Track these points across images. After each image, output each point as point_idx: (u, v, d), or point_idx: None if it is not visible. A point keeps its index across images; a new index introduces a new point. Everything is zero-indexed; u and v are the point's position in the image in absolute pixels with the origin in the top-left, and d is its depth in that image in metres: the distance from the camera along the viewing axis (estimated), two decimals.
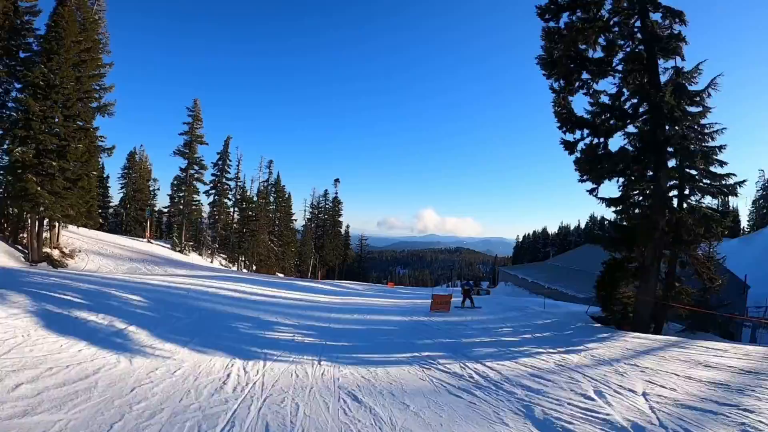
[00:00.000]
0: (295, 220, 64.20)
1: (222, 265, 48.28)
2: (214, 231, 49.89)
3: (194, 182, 47.76)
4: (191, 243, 50.21)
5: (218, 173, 54.19)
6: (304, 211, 72.65)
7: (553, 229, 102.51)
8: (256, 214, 49.91)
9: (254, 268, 51.54)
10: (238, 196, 51.51)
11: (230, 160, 54.84)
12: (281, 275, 57.39)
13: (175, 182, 48.81)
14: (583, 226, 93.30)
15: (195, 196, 47.86)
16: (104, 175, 57.23)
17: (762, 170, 66.35)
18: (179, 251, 44.63)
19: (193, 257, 46.22)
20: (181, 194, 48.09)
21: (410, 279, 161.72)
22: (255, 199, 53.83)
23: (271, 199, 61.01)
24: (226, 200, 53.90)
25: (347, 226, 76.38)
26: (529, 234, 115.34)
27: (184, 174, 47.59)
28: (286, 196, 62.80)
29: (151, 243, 44.98)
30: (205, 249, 49.05)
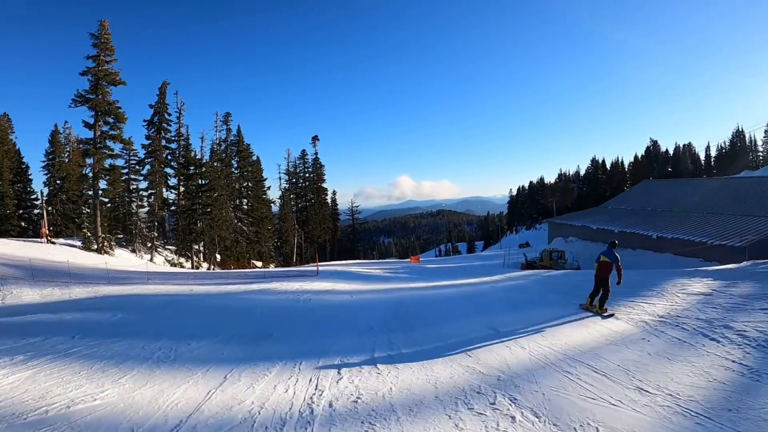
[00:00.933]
0: (268, 188, 48.44)
1: (169, 262, 32.85)
2: (153, 215, 34.10)
3: (108, 142, 31.32)
4: (120, 235, 34.38)
5: (154, 133, 37.95)
6: (279, 178, 57.17)
7: (549, 179, 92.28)
8: (210, 181, 34.09)
9: (218, 259, 36.37)
10: (182, 160, 35.37)
11: (169, 114, 38.65)
12: (258, 264, 42.42)
13: (80, 147, 32.27)
14: (582, 172, 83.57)
15: (111, 162, 31.56)
16: (23, 166, 39.86)
17: None
18: (96, 250, 28.95)
19: (123, 256, 30.71)
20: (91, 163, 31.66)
21: (396, 248, 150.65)
22: (206, 160, 37.72)
23: (234, 164, 45.02)
24: (168, 169, 37.86)
25: (333, 193, 61.45)
26: (523, 186, 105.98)
27: (92, 131, 31.04)
28: (254, 158, 46.69)
29: (53, 243, 29.09)
30: (141, 243, 33.34)
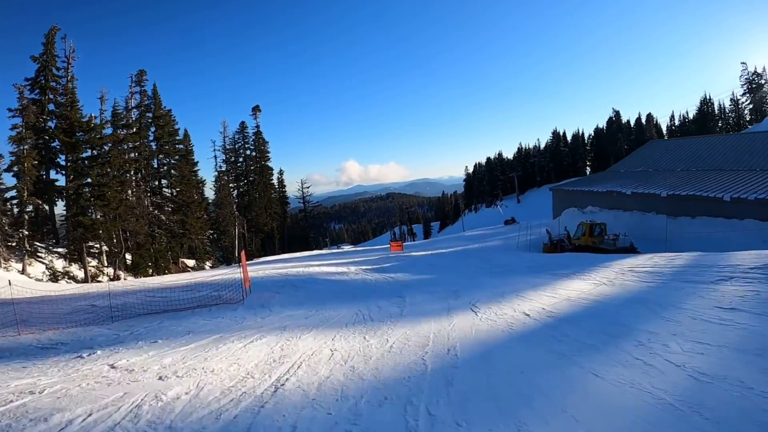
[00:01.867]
0: (197, 164, 38.44)
1: (51, 272, 22.90)
2: (22, 205, 23.73)
3: None
4: None
5: (38, 96, 27.38)
6: (215, 157, 47.11)
7: (508, 154, 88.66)
8: (109, 152, 23.94)
9: (129, 261, 26.64)
10: (65, 124, 24.95)
11: (58, 69, 28.16)
12: (189, 264, 33.13)
13: None
14: (542, 146, 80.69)
15: None
16: None
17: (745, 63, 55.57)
18: None
19: None
20: None
21: (348, 233, 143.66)
22: (103, 121, 27.29)
23: (150, 135, 34.60)
24: (58, 143, 27.14)
25: (280, 173, 52.14)
26: (480, 164, 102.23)
27: None
28: (177, 127, 36.41)
29: None
30: (6, 247, 22.97)
